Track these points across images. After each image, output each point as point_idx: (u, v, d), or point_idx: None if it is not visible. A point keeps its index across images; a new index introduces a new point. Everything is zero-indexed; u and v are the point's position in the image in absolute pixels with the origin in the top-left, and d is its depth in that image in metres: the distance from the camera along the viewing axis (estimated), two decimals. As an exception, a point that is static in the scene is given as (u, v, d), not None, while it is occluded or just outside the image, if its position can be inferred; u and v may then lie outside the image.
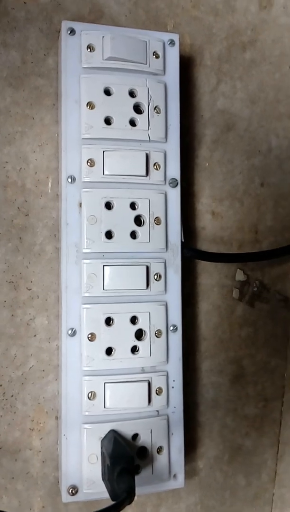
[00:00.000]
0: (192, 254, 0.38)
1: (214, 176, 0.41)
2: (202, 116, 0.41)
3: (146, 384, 0.34)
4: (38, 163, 0.37)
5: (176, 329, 0.36)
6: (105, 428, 0.33)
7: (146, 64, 0.36)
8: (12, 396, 0.35)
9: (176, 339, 0.36)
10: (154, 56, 0.36)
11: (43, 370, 0.36)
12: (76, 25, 0.35)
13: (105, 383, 0.33)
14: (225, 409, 0.41)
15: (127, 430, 0.34)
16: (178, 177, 0.37)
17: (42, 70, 0.37)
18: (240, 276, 0.41)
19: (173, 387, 0.35)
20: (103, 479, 0.32)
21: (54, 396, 0.36)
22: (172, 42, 0.37)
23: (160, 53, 0.36)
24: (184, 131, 0.39)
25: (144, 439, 0.34)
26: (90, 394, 0.33)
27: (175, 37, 0.37)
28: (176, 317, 0.36)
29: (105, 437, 0.33)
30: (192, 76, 0.41)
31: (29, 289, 0.36)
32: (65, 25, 0.35)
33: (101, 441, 0.33)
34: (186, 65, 0.41)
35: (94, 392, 0.33)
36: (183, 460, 0.36)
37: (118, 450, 0.31)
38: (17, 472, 0.35)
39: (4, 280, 0.36)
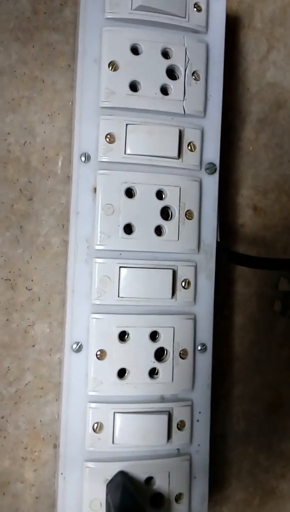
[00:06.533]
0: (229, 258, 0.33)
1: (259, 163, 0.37)
2: (248, 90, 0.37)
3: (165, 416, 0.30)
4: (47, 136, 0.33)
5: (205, 348, 0.32)
6: (112, 469, 0.30)
7: (185, 18, 0.32)
8: (2, 417, 0.32)
9: (205, 361, 0.32)
10: (195, 9, 0.32)
11: (42, 388, 0.33)
12: None
13: (115, 412, 0.30)
14: (258, 444, 0.37)
15: (139, 472, 0.30)
16: (216, 162, 0.33)
17: (57, 23, 0.33)
18: (284, 285, 0.37)
19: (198, 420, 0.31)
20: (106, 533, 0.28)
21: (53, 420, 0.32)
22: (218, -7, 0.32)
23: (203, 6, 0.32)
24: (226, 106, 0.35)
25: (159, 484, 0.30)
26: (95, 426, 0.30)
27: (223, -13, 0.33)
28: (206, 334, 0.32)
29: (112, 480, 0.29)
30: (239, 41, 0.37)
31: (29, 289, 0.33)
32: None
33: (107, 484, 0.29)
34: (232, 27, 0.37)
35: (101, 423, 0.30)
36: (206, 511, 0.31)
37: (126, 501, 0.27)
38: (5, 508, 0.32)
39: (-1, 277, 0.32)
